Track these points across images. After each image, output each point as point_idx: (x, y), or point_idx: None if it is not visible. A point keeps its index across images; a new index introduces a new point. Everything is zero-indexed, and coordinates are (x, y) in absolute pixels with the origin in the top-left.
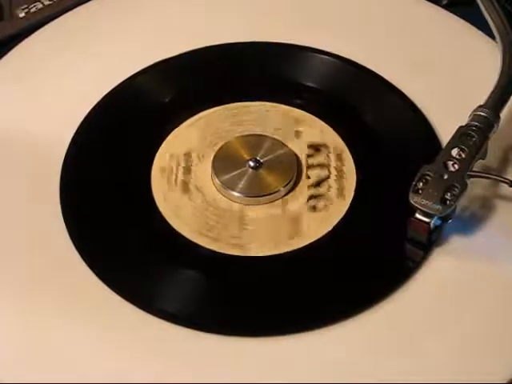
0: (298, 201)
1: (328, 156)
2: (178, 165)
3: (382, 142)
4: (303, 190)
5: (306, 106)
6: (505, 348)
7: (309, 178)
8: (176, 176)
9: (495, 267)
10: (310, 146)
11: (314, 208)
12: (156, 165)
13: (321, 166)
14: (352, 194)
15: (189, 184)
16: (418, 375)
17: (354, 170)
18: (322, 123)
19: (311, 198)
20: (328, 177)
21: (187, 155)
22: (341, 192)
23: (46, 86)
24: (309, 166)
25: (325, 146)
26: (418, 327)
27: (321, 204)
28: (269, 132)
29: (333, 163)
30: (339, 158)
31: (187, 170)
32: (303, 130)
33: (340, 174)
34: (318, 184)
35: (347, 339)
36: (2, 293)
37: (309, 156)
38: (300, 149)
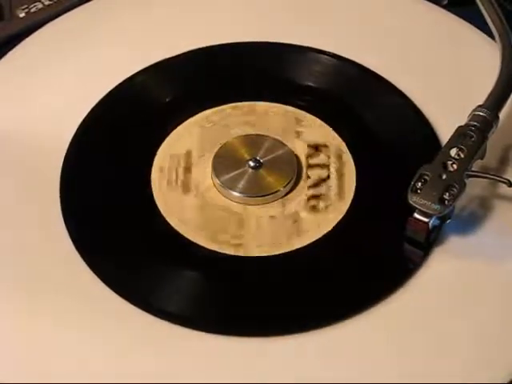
0: (297, 201)
1: (328, 156)
2: (179, 165)
3: (382, 142)
4: (303, 190)
5: (306, 106)
6: (505, 348)
7: (309, 177)
8: (176, 176)
9: (494, 267)
10: (310, 146)
11: (313, 208)
12: (156, 165)
13: (321, 166)
14: (352, 194)
15: (189, 184)
16: (418, 375)
17: (354, 170)
18: (322, 123)
19: (311, 198)
20: (328, 177)
21: (187, 155)
22: (341, 192)
23: (46, 86)
24: (309, 166)
25: (325, 146)
26: (418, 327)
27: (321, 204)
28: (269, 132)
29: (333, 163)
30: (339, 158)
31: (187, 170)
32: (303, 130)
33: (340, 174)
34: (317, 184)
35: (347, 339)
36: (2, 293)
37: (309, 156)
38: (300, 149)
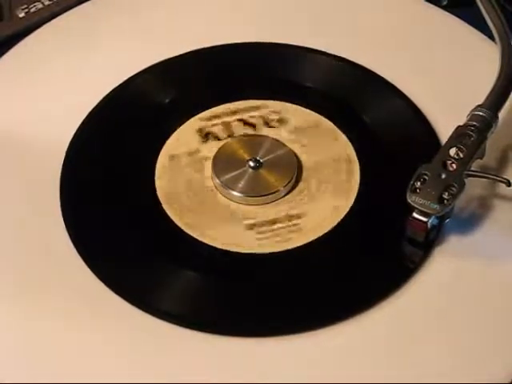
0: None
1: None
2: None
3: (381, 142)
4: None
5: (305, 106)
6: (505, 348)
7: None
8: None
9: (494, 267)
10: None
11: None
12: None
13: None
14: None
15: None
16: (418, 375)
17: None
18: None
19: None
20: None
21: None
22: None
23: (46, 86)
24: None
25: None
26: (418, 327)
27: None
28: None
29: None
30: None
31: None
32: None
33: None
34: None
35: (347, 339)
36: (2, 293)
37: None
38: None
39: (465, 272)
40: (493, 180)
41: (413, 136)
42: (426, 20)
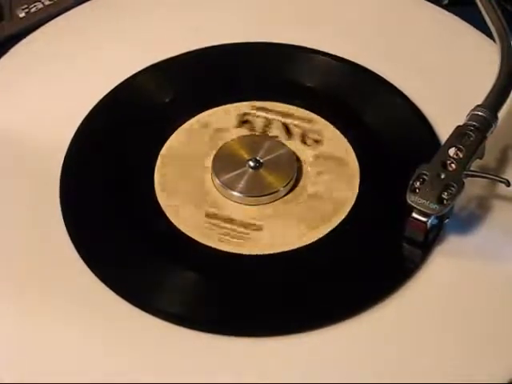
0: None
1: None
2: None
3: (381, 142)
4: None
5: (305, 106)
6: (505, 348)
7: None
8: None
9: (494, 267)
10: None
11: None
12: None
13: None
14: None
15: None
16: (418, 375)
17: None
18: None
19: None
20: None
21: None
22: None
23: (46, 86)
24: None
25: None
26: (418, 327)
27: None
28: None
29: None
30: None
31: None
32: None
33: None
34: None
35: (347, 339)
36: (2, 293)
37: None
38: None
39: (465, 272)
40: (492, 180)
41: (412, 136)
42: (426, 19)
